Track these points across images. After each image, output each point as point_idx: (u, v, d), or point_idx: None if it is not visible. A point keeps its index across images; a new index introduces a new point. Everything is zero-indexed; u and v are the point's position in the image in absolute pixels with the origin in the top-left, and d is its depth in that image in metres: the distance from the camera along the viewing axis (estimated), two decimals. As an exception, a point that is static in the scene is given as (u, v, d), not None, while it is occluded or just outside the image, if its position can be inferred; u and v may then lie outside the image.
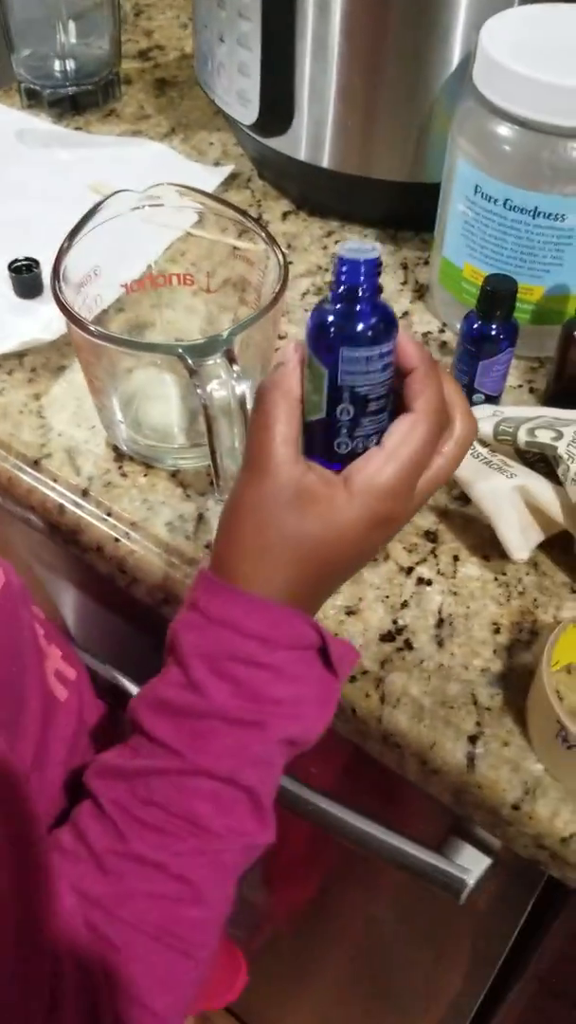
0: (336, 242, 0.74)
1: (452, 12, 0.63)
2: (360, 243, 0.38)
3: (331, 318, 0.37)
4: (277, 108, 0.69)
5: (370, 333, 0.37)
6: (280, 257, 0.53)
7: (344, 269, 0.37)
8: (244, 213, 0.56)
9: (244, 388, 0.48)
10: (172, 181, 0.60)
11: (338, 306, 0.38)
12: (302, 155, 0.72)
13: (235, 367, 0.48)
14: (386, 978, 0.81)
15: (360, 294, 0.37)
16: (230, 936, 0.86)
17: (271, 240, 0.54)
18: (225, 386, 0.48)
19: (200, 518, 0.55)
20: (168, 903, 0.39)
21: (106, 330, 0.51)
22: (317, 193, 0.77)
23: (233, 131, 0.81)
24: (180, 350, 0.48)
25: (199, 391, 0.48)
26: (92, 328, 0.50)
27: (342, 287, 0.37)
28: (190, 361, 0.48)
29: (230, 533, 0.40)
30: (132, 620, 0.67)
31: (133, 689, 0.59)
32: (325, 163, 0.72)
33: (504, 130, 0.58)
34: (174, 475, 0.58)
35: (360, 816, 0.53)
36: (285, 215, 0.77)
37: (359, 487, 0.38)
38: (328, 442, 0.40)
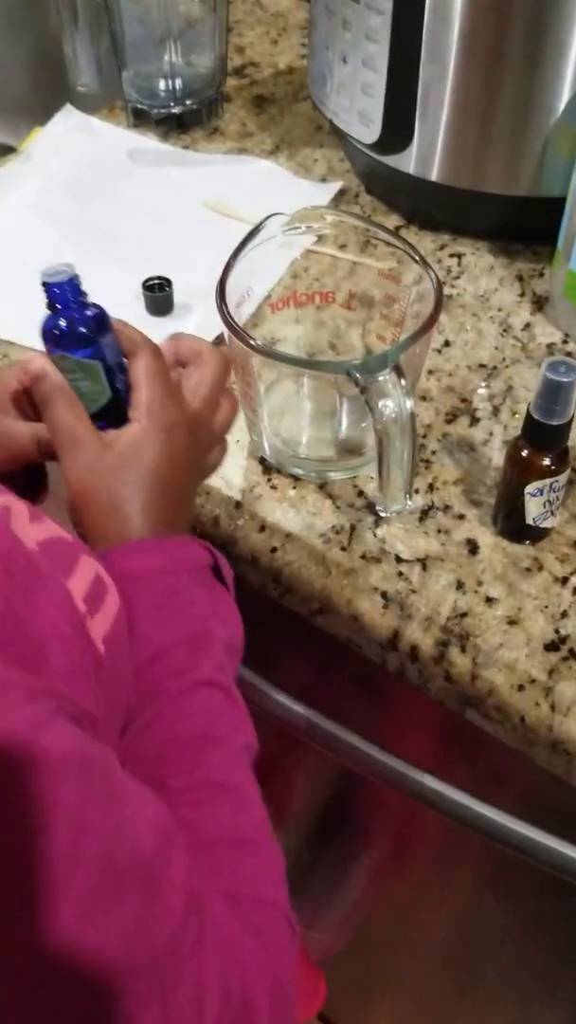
0: (450, 255, 0.76)
1: (571, 29, 0.65)
2: (55, 267, 0.47)
3: (81, 328, 0.47)
4: (399, 127, 0.71)
5: (105, 320, 0.48)
6: (434, 279, 0.54)
7: (56, 291, 0.47)
8: (395, 234, 0.57)
9: (412, 403, 0.50)
10: (285, 198, 0.62)
11: (75, 316, 0.47)
12: (414, 170, 0.74)
13: (404, 382, 0.50)
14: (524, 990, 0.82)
15: (79, 300, 0.47)
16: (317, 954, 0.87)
17: (424, 262, 0.55)
18: (396, 401, 0.49)
19: (353, 529, 0.57)
20: (225, 808, 0.41)
21: (261, 345, 0.52)
22: (428, 207, 0.78)
23: (342, 147, 0.83)
24: (349, 368, 0.50)
25: (371, 407, 0.49)
26: (259, 346, 0.52)
27: (69, 302, 0.47)
28: (361, 378, 0.50)
29: (88, 514, 0.46)
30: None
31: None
32: (438, 177, 0.73)
33: None
34: (321, 487, 0.59)
35: (520, 821, 0.54)
36: (397, 229, 0.78)
37: (139, 416, 0.47)
38: (121, 411, 0.48)
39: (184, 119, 0.88)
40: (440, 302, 0.54)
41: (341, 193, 0.81)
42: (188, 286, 0.71)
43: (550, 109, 0.68)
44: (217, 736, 0.42)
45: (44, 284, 0.46)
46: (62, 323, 0.47)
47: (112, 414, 0.48)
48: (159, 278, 0.69)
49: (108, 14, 0.84)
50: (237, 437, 0.62)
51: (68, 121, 0.87)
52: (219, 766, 0.41)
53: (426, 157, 0.72)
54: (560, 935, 0.70)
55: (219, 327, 0.68)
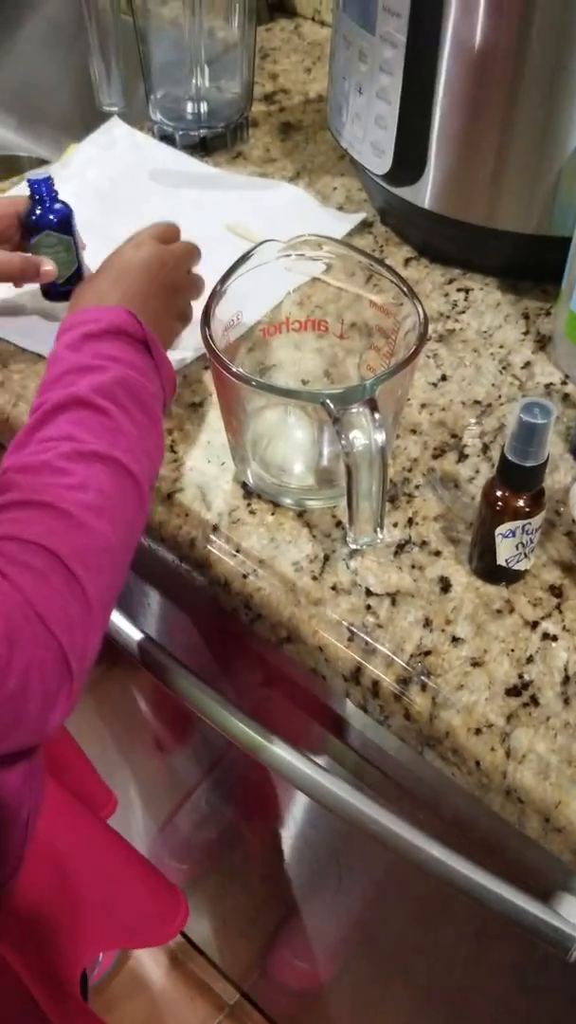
0: (458, 290, 0.75)
1: (589, 70, 0.64)
2: (37, 171, 0.67)
3: (56, 214, 0.67)
4: (410, 159, 0.71)
5: (71, 214, 0.69)
6: (421, 311, 0.54)
7: (37, 185, 0.66)
8: (388, 267, 0.57)
9: (382, 437, 0.49)
10: (305, 225, 0.62)
11: (52, 205, 0.67)
12: (427, 204, 0.74)
13: (376, 416, 0.49)
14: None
15: (53, 195, 0.68)
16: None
17: (412, 294, 0.55)
18: (367, 434, 0.49)
19: (326, 559, 0.56)
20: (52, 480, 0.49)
21: (240, 369, 0.53)
22: (440, 241, 0.78)
23: (359, 177, 0.83)
24: (324, 398, 0.50)
25: (341, 438, 0.49)
26: (239, 372, 0.52)
27: (45, 196, 0.67)
28: (333, 408, 0.50)
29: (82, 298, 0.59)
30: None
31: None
32: (449, 212, 0.73)
33: None
34: (300, 515, 0.59)
35: (472, 865, 0.53)
36: (407, 261, 0.78)
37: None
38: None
39: (209, 142, 0.88)
40: (424, 337, 0.53)
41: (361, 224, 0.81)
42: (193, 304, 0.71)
43: (564, 147, 0.68)
44: (74, 436, 0.50)
45: (28, 181, 0.66)
46: (39, 210, 0.67)
47: (76, 283, 0.67)
48: None
49: (138, 36, 0.85)
50: (223, 460, 0.62)
51: (113, 133, 0.88)
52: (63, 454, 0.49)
53: (438, 191, 0.72)
54: (531, 983, 0.69)
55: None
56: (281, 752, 0.58)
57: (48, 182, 0.66)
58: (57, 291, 0.70)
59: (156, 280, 0.60)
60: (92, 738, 0.98)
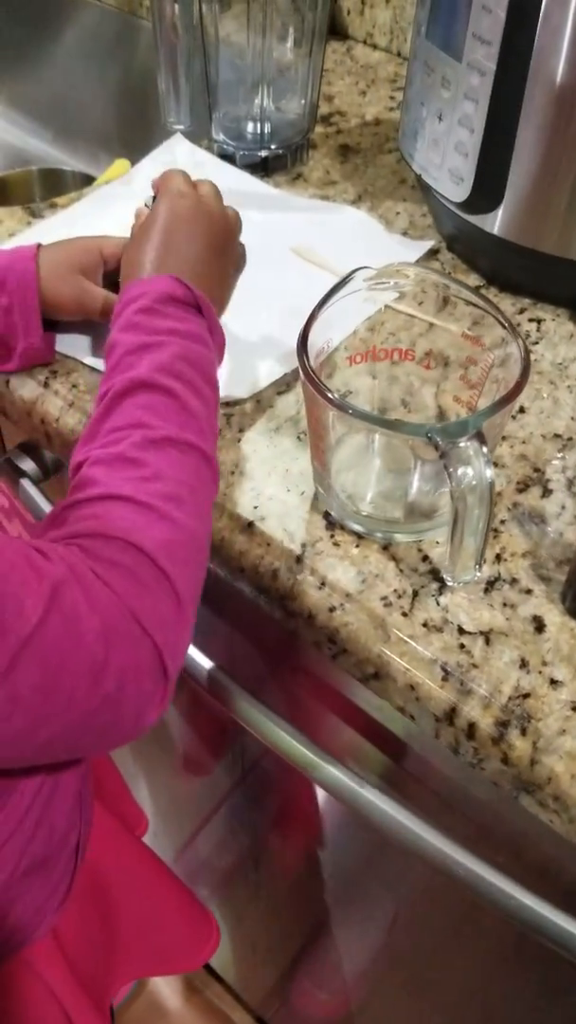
0: (529, 320, 0.74)
1: None
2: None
3: None
4: (489, 188, 0.70)
5: None
6: (521, 346, 0.53)
7: None
8: (485, 298, 0.56)
9: (492, 472, 0.48)
10: (373, 251, 0.61)
11: None
12: (498, 231, 0.73)
13: (485, 450, 0.48)
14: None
15: None
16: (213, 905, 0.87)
17: (512, 327, 0.54)
18: (476, 469, 0.48)
19: (415, 595, 0.55)
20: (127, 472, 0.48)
21: (335, 396, 0.51)
22: (509, 270, 0.77)
23: (426, 202, 0.82)
24: (430, 431, 0.49)
25: (449, 473, 0.48)
26: (337, 400, 0.51)
27: None
28: (441, 442, 0.48)
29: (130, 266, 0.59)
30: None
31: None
32: (523, 241, 0.72)
33: None
34: (385, 548, 0.57)
35: (513, 883, 0.51)
36: (476, 289, 0.77)
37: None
38: None
39: (269, 163, 0.88)
40: (527, 369, 0.52)
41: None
42: (261, 327, 0.70)
43: None
44: (144, 422, 0.49)
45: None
46: None
47: None
48: None
49: (204, 55, 0.84)
50: (302, 489, 0.61)
51: (175, 150, 0.87)
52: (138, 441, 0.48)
53: (513, 219, 0.71)
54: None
55: (282, 370, 0.68)
56: (372, 797, 0.57)
57: None
58: None
59: (204, 236, 0.60)
60: (115, 754, 0.96)
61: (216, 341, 0.56)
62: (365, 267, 0.57)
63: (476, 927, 0.70)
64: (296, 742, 0.60)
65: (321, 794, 0.79)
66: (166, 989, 1.28)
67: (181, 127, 0.82)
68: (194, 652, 0.64)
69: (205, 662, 0.63)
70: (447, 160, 0.71)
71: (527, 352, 0.53)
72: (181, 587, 0.45)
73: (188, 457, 0.49)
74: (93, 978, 0.76)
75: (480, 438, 0.48)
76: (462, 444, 0.48)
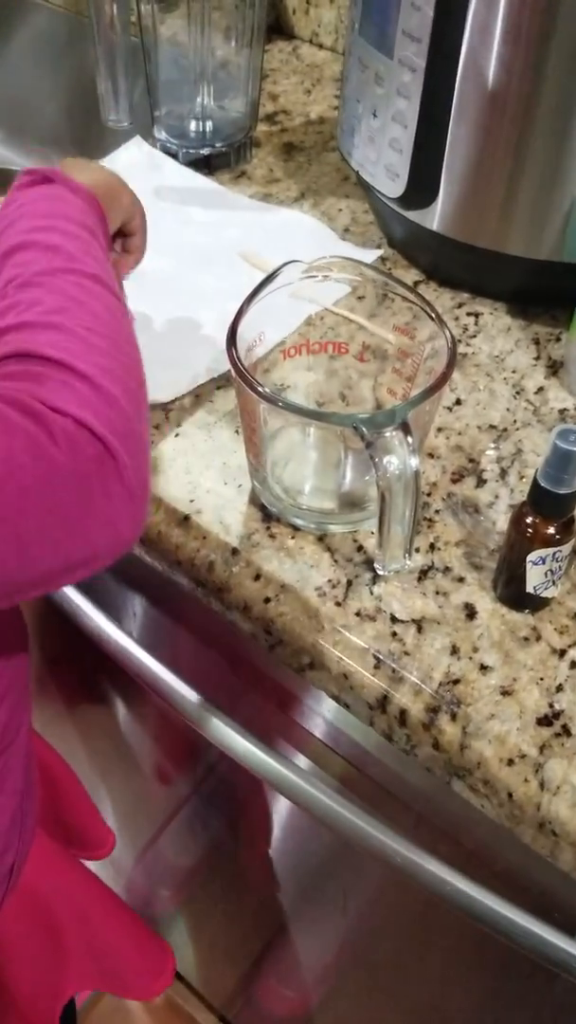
0: (467, 314, 0.75)
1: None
2: None
3: None
4: (424, 183, 0.71)
5: None
6: (449, 337, 0.54)
7: None
8: (414, 291, 0.57)
9: (417, 462, 0.49)
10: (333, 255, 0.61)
11: None
12: (437, 227, 0.73)
13: (410, 440, 0.49)
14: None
15: None
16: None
17: (440, 320, 0.55)
18: (401, 458, 0.48)
19: (349, 584, 0.55)
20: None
21: (265, 389, 0.52)
22: (449, 265, 0.78)
23: (367, 199, 0.83)
24: (356, 422, 0.49)
25: (375, 463, 0.48)
26: (267, 393, 0.51)
27: None
28: (366, 432, 0.49)
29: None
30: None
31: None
32: (460, 236, 0.73)
33: None
34: (321, 539, 0.58)
35: (498, 898, 0.52)
36: (416, 284, 0.78)
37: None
38: None
39: (212, 161, 0.88)
40: (453, 360, 0.53)
41: (363, 243, 0.81)
42: (202, 327, 0.71)
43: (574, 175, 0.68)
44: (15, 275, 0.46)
45: None
46: None
47: None
48: None
49: (144, 54, 0.85)
50: (240, 482, 0.61)
51: (133, 152, 0.87)
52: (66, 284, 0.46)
53: (450, 215, 0.72)
54: (530, 1014, 0.68)
55: (221, 367, 0.68)
56: (307, 785, 0.57)
57: None
58: None
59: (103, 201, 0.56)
60: (72, 759, 0.96)
61: (84, 196, 0.53)
62: (296, 261, 0.57)
63: (432, 926, 0.70)
64: (236, 733, 0.60)
65: (277, 796, 0.79)
66: (129, 991, 1.28)
67: (123, 125, 0.82)
68: (138, 651, 0.64)
69: (150, 660, 0.63)
70: (383, 156, 0.72)
71: (454, 344, 0.54)
72: (89, 370, 0.42)
73: (65, 278, 0.46)
74: (36, 982, 0.76)
75: (405, 428, 0.49)
76: (387, 434, 0.49)
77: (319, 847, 0.80)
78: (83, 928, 0.80)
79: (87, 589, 0.68)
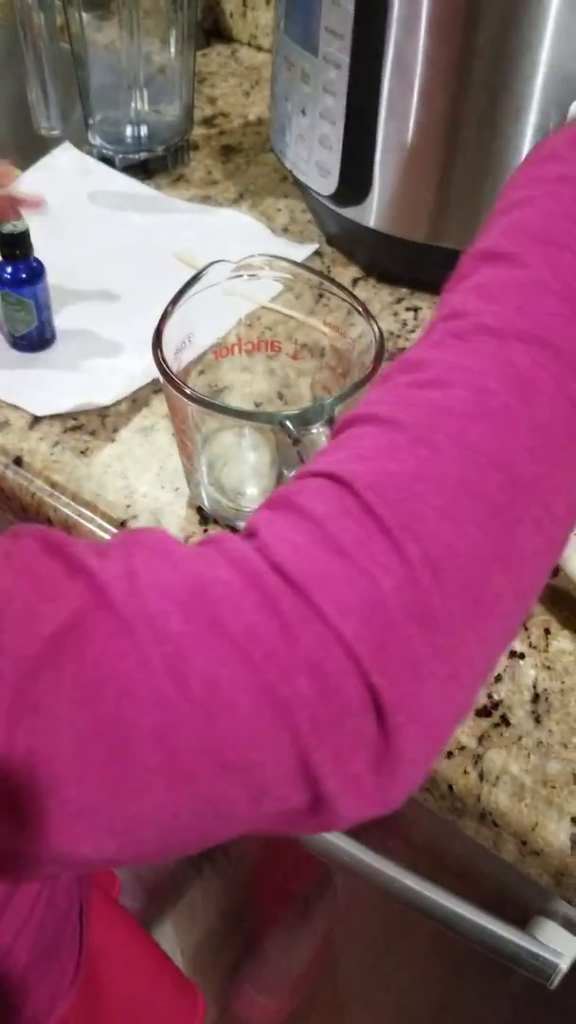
0: (406, 309, 0.75)
1: (529, 89, 0.65)
2: (13, 222, 0.64)
3: (23, 274, 0.65)
4: (356, 179, 0.71)
5: (42, 270, 0.66)
6: (376, 331, 0.53)
7: (10, 241, 0.64)
8: (341, 286, 0.56)
9: (345, 458, 0.48)
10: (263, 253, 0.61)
11: (20, 264, 0.65)
12: (373, 223, 0.73)
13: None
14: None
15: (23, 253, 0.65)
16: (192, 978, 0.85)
17: (367, 314, 0.54)
18: (328, 456, 0.48)
19: (287, 584, 0.55)
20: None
21: (193, 391, 0.51)
22: (387, 260, 0.78)
23: (304, 198, 0.83)
24: (283, 419, 0.49)
25: (302, 459, 0.48)
26: (193, 394, 0.51)
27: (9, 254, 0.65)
28: (293, 430, 0.48)
29: None
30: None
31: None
32: (395, 231, 0.73)
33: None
34: (259, 540, 0.57)
35: (447, 894, 0.52)
36: (355, 281, 0.78)
37: None
38: (42, 336, 0.69)
39: (149, 165, 0.87)
40: (381, 354, 0.53)
41: (302, 242, 0.81)
42: (136, 331, 0.70)
43: (507, 166, 0.68)
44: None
45: (1, 234, 0.63)
46: (9, 269, 0.65)
47: (35, 338, 0.68)
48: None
49: (75, 60, 0.84)
50: (177, 486, 0.60)
51: (63, 157, 0.87)
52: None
53: (384, 210, 0.72)
54: (489, 1008, 0.67)
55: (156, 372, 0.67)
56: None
57: (24, 237, 0.64)
58: (18, 343, 0.69)
59: None
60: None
61: None
62: (222, 260, 0.57)
63: (392, 926, 0.70)
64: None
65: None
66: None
67: (54, 132, 0.82)
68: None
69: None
70: (313, 154, 0.72)
71: (382, 337, 0.53)
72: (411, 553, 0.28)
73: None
74: None
75: (332, 424, 0.48)
76: (314, 431, 0.48)
77: (281, 857, 0.80)
78: (126, 977, 0.76)
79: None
